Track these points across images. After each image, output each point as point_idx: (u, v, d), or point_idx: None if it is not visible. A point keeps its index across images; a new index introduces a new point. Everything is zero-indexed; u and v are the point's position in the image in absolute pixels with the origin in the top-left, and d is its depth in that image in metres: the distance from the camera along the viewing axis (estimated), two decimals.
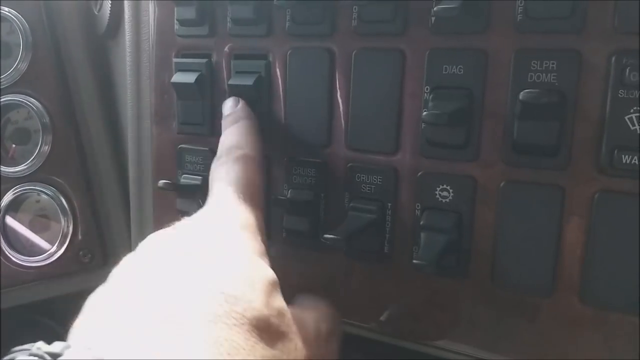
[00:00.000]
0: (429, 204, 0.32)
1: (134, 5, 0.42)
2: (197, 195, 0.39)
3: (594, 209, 0.28)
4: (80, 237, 0.46)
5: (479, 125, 0.30)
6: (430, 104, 0.30)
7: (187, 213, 0.40)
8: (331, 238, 0.30)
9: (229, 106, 0.37)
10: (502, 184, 0.30)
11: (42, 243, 0.48)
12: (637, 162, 0.26)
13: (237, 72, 0.37)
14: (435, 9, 0.28)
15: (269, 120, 0.37)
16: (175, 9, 0.39)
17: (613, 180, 0.27)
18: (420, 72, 0.31)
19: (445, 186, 0.31)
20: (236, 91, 0.37)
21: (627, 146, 0.26)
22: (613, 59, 0.27)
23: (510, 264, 0.30)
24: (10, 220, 0.48)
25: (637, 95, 0.26)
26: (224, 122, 0.36)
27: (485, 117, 0.30)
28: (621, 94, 0.26)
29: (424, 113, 0.29)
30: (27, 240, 0.48)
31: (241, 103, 0.37)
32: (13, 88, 0.47)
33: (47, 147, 0.47)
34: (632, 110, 0.26)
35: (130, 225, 0.46)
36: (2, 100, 0.46)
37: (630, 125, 0.26)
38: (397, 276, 0.34)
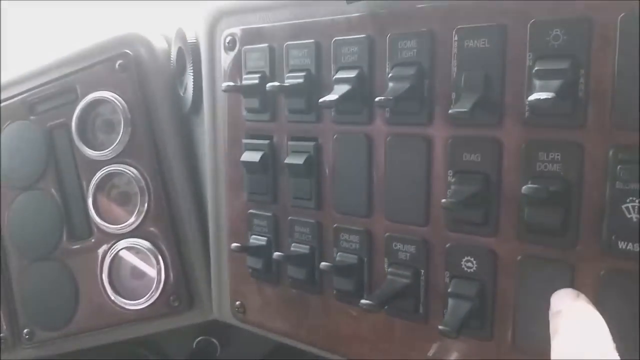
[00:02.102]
0: (456, 272, 0.36)
1: (211, 94, 0.50)
2: (262, 254, 0.46)
3: (601, 286, 0.31)
4: (170, 284, 0.55)
5: (497, 205, 0.34)
6: (452, 186, 0.35)
7: (256, 269, 0.47)
8: (367, 304, 0.35)
9: (563, 299, 0.30)
10: (519, 258, 0.34)
11: (140, 290, 0.57)
12: (632, 248, 0.29)
13: (292, 152, 0.44)
14: (450, 111, 0.33)
15: (318, 192, 0.43)
16: (243, 99, 0.46)
17: (616, 261, 0.30)
18: (444, 158, 0.36)
19: (469, 257, 0.36)
20: (291, 168, 0.43)
21: (623, 233, 0.29)
22: (611, 152, 0.30)
23: (529, 328, 0.34)
24: (114, 270, 0.57)
25: (632, 187, 0.29)
26: (556, 321, 0.29)
27: (502, 198, 0.34)
28: (618, 185, 0.30)
29: (443, 201, 0.33)
30: (129, 286, 0.57)
31: (582, 297, 0.30)
32: (116, 158, 0.56)
33: (144, 206, 0.56)
34: (628, 200, 0.29)
35: (211, 276, 0.53)
36: (109, 169, 0.56)
37: (627, 214, 0.29)
38: (431, 335, 0.38)
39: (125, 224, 0.56)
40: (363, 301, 0.35)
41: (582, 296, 0.30)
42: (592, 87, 0.30)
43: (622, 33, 0.29)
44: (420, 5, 0.36)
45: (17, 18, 0.90)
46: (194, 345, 0.62)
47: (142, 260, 0.56)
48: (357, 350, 0.42)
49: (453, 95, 0.35)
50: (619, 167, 0.29)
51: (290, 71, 0.42)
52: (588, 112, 0.31)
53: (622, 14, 0.29)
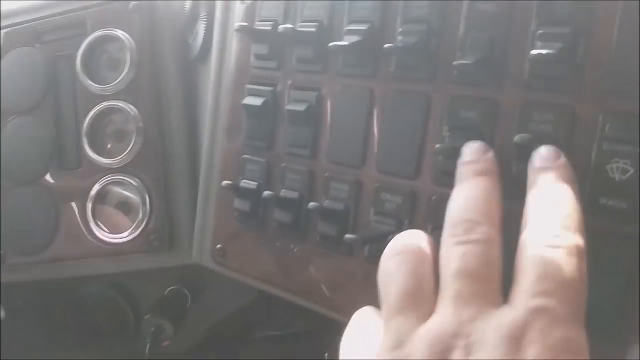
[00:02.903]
0: (439, 224, 0.37)
1: (221, 39, 0.51)
2: (251, 197, 0.47)
3: None
4: (153, 224, 0.55)
5: None
6: (445, 139, 0.36)
7: (243, 212, 0.47)
8: (350, 238, 0.36)
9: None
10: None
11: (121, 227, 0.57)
12: (612, 204, 0.31)
13: (293, 100, 0.45)
14: (454, 62, 0.35)
15: (314, 141, 0.44)
16: (252, 45, 0.47)
17: (596, 219, 0.32)
18: (442, 114, 0.38)
19: None
20: (291, 115, 0.44)
21: (606, 191, 0.31)
22: (600, 117, 0.32)
23: None
24: (98, 204, 0.58)
25: (617, 149, 0.31)
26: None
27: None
28: (604, 147, 0.31)
29: (437, 145, 0.35)
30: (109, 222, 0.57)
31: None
32: (117, 95, 0.57)
33: (137, 146, 0.56)
34: (612, 161, 0.31)
35: (195, 220, 0.54)
36: (109, 104, 0.56)
37: (610, 174, 0.31)
38: None
39: (116, 159, 0.56)
40: (347, 235, 0.37)
41: (563, 157, 0.30)
42: (590, 55, 0.32)
43: (624, 8, 0.31)
44: None
45: None
46: (165, 293, 0.62)
47: (127, 197, 0.57)
48: (334, 296, 0.43)
49: (458, 55, 0.37)
50: (607, 128, 0.31)
51: (303, 21, 0.44)
52: (584, 78, 0.32)
53: None
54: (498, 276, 0.27)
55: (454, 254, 0.27)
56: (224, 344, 0.66)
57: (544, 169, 0.30)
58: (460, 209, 0.29)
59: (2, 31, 0.63)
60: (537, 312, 0.24)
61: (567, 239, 0.26)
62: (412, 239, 0.31)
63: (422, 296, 0.28)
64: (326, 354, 0.52)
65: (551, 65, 0.33)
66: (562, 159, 0.30)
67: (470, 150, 0.33)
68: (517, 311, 0.25)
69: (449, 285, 0.27)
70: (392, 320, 0.27)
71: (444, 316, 0.26)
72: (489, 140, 0.35)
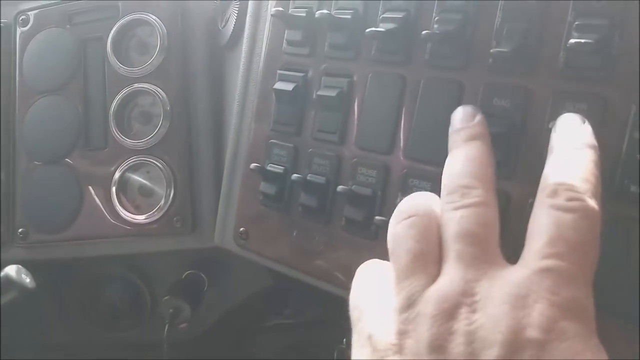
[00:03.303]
0: None
1: (254, 24, 0.52)
2: (277, 181, 0.48)
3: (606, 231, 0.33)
4: (176, 206, 0.56)
5: (517, 149, 0.36)
6: None
7: (268, 195, 0.48)
8: (380, 220, 0.37)
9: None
10: (530, 201, 0.36)
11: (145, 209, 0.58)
12: None
13: (325, 86, 0.46)
14: (492, 50, 0.35)
15: (343, 127, 0.45)
16: (286, 31, 0.48)
17: (624, 207, 0.33)
18: (475, 102, 0.38)
19: None
20: (322, 100, 0.45)
21: (637, 178, 0.32)
22: (633, 106, 0.32)
23: None
24: (123, 184, 0.58)
25: None
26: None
27: (524, 143, 0.36)
28: (635, 135, 0.32)
29: None
30: (135, 203, 0.58)
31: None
32: (145, 78, 0.58)
33: (164, 129, 0.57)
34: None
35: (218, 205, 0.55)
36: (138, 86, 0.57)
37: None
38: None
39: (142, 140, 0.57)
40: (377, 217, 0.37)
41: (587, 123, 0.31)
42: (624, 48, 0.33)
43: None
44: None
45: None
46: (183, 277, 0.63)
47: (152, 179, 0.57)
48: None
49: (494, 44, 0.37)
50: (639, 118, 0.32)
51: (338, 9, 0.45)
52: (617, 68, 0.33)
53: None
54: (495, 236, 0.28)
55: (452, 219, 0.28)
56: (238, 329, 0.66)
57: (569, 134, 0.30)
58: (454, 175, 0.30)
59: (33, 12, 0.64)
60: (546, 271, 0.25)
61: (582, 203, 0.26)
62: (420, 202, 0.31)
63: (431, 258, 0.28)
64: (344, 340, 0.52)
65: (586, 55, 0.34)
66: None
67: (460, 117, 0.33)
68: (525, 270, 0.25)
69: (451, 247, 0.28)
70: (402, 283, 0.28)
71: (450, 276, 0.27)
72: (522, 129, 0.36)
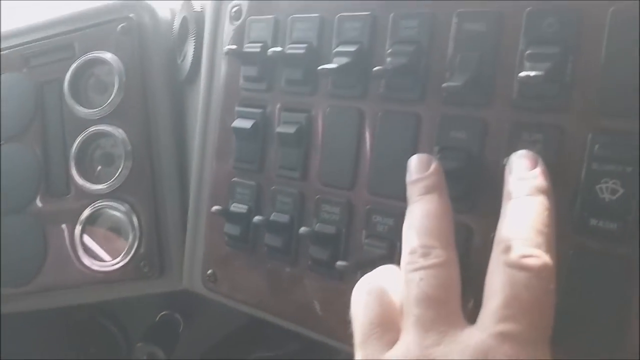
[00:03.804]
0: None
1: (210, 60, 0.51)
2: (241, 222, 0.46)
3: (570, 265, 0.32)
4: (143, 250, 0.54)
5: (476, 181, 0.35)
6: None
7: (233, 236, 0.47)
8: (342, 265, 0.36)
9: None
10: (492, 235, 0.35)
11: (110, 253, 0.56)
12: (602, 225, 0.30)
13: (284, 122, 0.44)
14: (444, 85, 0.34)
15: (304, 163, 0.43)
16: (242, 67, 0.47)
17: (586, 240, 0.31)
18: (432, 134, 0.37)
19: None
20: (281, 137, 0.44)
21: (595, 211, 0.31)
22: (590, 135, 0.31)
23: None
24: (88, 231, 0.57)
25: (607, 168, 0.31)
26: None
27: (482, 174, 0.35)
28: (594, 166, 0.31)
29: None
30: (99, 249, 0.56)
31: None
32: (105, 119, 0.56)
33: (126, 171, 0.55)
34: (602, 181, 0.31)
35: (185, 245, 0.53)
36: (97, 128, 0.56)
37: (600, 194, 0.31)
38: None
39: (105, 185, 0.55)
40: (339, 262, 0.36)
41: (540, 162, 0.30)
42: (579, 74, 0.32)
43: (611, 26, 0.31)
44: None
45: None
46: (157, 319, 0.61)
47: (117, 223, 0.56)
48: (327, 322, 0.42)
49: (447, 75, 0.36)
50: (596, 148, 0.31)
51: (293, 43, 0.44)
52: (573, 96, 0.32)
53: (612, 8, 0.31)
54: (457, 297, 0.28)
55: (413, 280, 0.28)
56: None
57: (521, 179, 0.30)
58: (413, 234, 0.30)
59: None
60: (502, 336, 0.25)
61: (536, 260, 0.26)
62: (382, 271, 0.32)
63: (388, 325, 0.29)
64: None
65: (539, 85, 0.33)
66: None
67: (414, 167, 0.33)
68: (483, 334, 0.25)
69: (411, 311, 0.27)
70: (360, 350, 0.29)
71: (407, 343, 0.27)
72: (480, 161, 0.35)
